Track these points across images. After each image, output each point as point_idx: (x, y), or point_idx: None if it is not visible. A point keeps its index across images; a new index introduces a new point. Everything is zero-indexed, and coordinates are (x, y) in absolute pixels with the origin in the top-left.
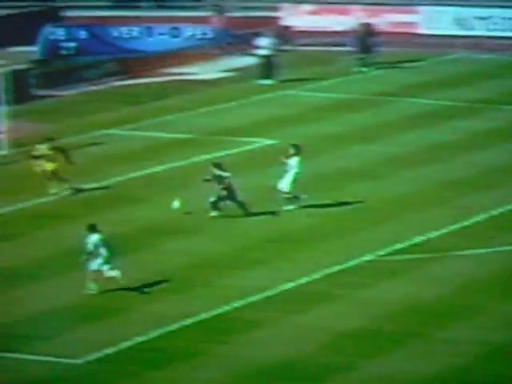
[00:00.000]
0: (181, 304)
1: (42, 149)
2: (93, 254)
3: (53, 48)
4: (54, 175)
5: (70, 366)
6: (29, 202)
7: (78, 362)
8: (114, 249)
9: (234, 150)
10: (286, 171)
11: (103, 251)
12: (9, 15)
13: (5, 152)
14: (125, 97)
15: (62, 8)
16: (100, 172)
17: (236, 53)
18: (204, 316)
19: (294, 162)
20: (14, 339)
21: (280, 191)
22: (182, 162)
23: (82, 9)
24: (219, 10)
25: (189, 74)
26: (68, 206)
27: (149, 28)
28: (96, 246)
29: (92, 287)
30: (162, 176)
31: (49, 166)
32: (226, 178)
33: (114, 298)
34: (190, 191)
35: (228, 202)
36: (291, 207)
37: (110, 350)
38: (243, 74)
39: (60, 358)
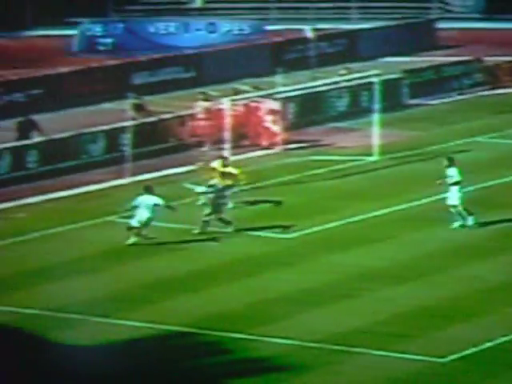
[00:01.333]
0: None
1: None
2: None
3: (90, 44)
4: None
5: (434, 365)
6: (396, 207)
7: (443, 360)
8: None
9: None
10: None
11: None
12: (385, 27)
13: (375, 158)
14: (491, 106)
15: (436, 20)
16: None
17: None
18: None
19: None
20: (382, 337)
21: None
22: None
23: (455, 20)
24: None
25: None
26: (432, 210)
27: (185, 24)
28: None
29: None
30: None
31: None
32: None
33: (471, 300)
34: None
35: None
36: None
37: (472, 350)
38: None
39: (424, 356)
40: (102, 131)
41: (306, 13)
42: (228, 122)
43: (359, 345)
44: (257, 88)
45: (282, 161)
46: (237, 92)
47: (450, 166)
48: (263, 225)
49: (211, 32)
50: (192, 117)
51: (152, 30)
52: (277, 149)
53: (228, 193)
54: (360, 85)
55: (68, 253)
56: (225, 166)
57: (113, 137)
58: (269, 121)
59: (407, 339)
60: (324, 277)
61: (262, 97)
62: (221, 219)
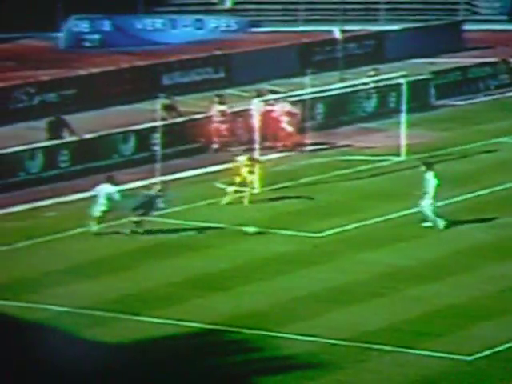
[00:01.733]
0: None
1: (242, 160)
2: None
3: (76, 40)
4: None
5: (460, 363)
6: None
7: (469, 358)
8: None
9: None
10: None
11: None
12: (413, 28)
13: (402, 158)
14: None
15: (462, 21)
16: (490, 179)
17: None
18: None
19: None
20: (411, 335)
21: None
22: None
23: (481, 22)
24: None
25: None
26: (458, 210)
27: (172, 20)
28: None
29: None
30: None
31: (245, 177)
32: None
33: (498, 299)
34: None
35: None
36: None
37: (497, 349)
38: None
39: (452, 354)
40: (133, 131)
41: (334, 14)
42: (252, 123)
43: (387, 343)
44: (273, 91)
45: (311, 161)
46: (260, 94)
47: (427, 170)
48: (293, 224)
49: (198, 28)
50: (208, 119)
51: (139, 26)
52: (304, 149)
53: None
54: (387, 86)
55: (99, 251)
56: (251, 163)
57: (143, 136)
58: (285, 123)
59: (434, 338)
60: (352, 276)
61: (278, 99)
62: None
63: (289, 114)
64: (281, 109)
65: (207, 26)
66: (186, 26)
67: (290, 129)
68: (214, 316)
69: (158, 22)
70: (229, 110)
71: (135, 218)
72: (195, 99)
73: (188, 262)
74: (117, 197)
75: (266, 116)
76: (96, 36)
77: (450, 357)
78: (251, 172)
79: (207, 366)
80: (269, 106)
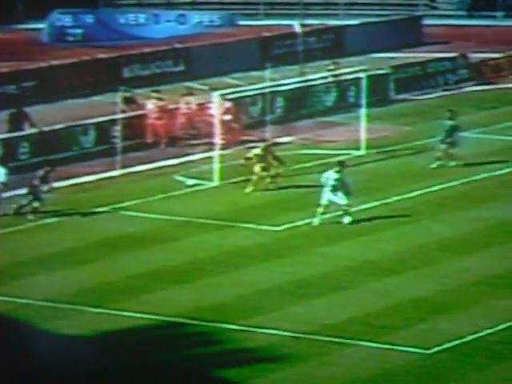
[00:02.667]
0: None
1: (255, 151)
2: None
3: (59, 34)
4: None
5: (421, 356)
6: (383, 200)
7: (429, 352)
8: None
9: None
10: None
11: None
12: (372, 23)
13: (362, 152)
14: (476, 102)
15: (422, 17)
16: (449, 173)
17: None
18: None
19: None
20: (373, 329)
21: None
22: None
23: (440, 17)
24: None
25: None
26: (419, 204)
27: (155, 15)
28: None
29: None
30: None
31: (259, 168)
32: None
33: (458, 293)
34: None
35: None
36: None
37: (457, 342)
38: None
39: (412, 347)
40: (93, 123)
41: (294, 8)
42: (181, 119)
43: (350, 336)
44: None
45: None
46: (189, 92)
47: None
48: (254, 217)
49: (181, 23)
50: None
51: (122, 20)
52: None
53: None
54: (347, 80)
55: (61, 244)
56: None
57: (103, 129)
58: (223, 120)
59: (396, 331)
60: (314, 269)
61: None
62: None
63: (228, 110)
64: (220, 105)
65: (190, 21)
66: (169, 20)
67: (230, 125)
68: (176, 308)
69: (141, 17)
70: (170, 106)
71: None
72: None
73: (150, 255)
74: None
75: (203, 113)
76: (79, 30)
77: (410, 350)
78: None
79: (169, 359)
80: (204, 102)
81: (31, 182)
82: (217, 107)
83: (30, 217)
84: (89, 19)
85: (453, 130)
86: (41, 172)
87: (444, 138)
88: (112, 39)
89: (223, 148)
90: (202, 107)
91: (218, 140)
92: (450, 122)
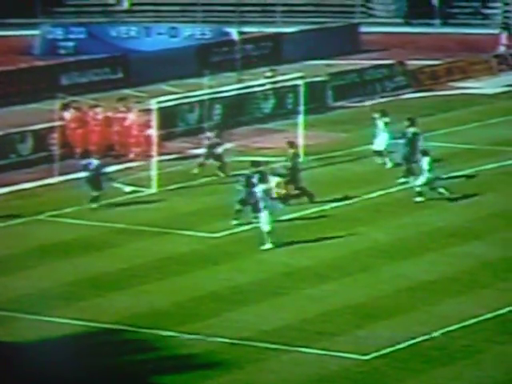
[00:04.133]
0: (459, 305)
1: None
2: None
3: (51, 47)
4: None
5: (357, 362)
6: (320, 207)
7: (366, 357)
8: None
9: None
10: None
11: None
12: (310, 30)
13: (300, 159)
14: (413, 109)
15: (358, 24)
16: (386, 180)
17: None
18: (485, 317)
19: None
20: (310, 335)
21: None
22: (468, 171)
23: (377, 25)
24: (507, 27)
25: (472, 88)
26: (355, 210)
27: (147, 28)
28: None
29: None
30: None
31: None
32: None
33: (394, 299)
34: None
35: None
36: None
37: (393, 348)
38: None
39: (349, 353)
40: (31, 131)
41: (232, 16)
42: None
43: (286, 342)
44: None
45: (207, 161)
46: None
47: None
48: (191, 224)
49: (173, 36)
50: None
51: (114, 33)
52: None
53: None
54: (285, 87)
55: None
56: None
57: (41, 136)
58: (141, 131)
59: (332, 337)
60: (251, 275)
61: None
62: None
63: (145, 122)
64: (136, 117)
65: (182, 33)
66: (160, 33)
67: (147, 137)
68: (113, 315)
69: (133, 30)
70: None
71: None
72: (93, 99)
73: (86, 262)
74: None
75: (118, 123)
76: (70, 43)
77: (347, 356)
78: None
79: (105, 365)
80: (121, 113)
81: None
82: (135, 119)
83: None
84: (80, 32)
85: (414, 138)
86: None
87: (409, 149)
88: (104, 52)
89: (139, 159)
90: (115, 119)
91: (128, 152)
92: (411, 130)
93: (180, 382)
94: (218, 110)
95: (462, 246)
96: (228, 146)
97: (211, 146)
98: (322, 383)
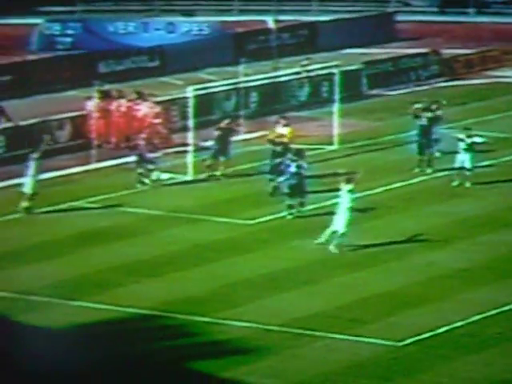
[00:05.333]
0: (491, 294)
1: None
2: None
3: (48, 43)
4: None
5: (391, 348)
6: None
7: (398, 344)
8: None
9: None
10: None
11: None
12: (345, 19)
13: (335, 147)
14: (448, 97)
15: (393, 13)
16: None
17: None
18: None
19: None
20: (343, 322)
21: None
22: (500, 160)
23: (412, 14)
24: None
25: (507, 77)
26: (390, 198)
27: (145, 23)
28: None
29: None
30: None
31: None
32: None
33: (426, 287)
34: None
35: None
36: None
37: (425, 335)
38: None
39: (382, 340)
40: (68, 118)
41: (268, 4)
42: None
43: (320, 329)
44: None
45: (244, 149)
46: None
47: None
48: (226, 211)
49: (170, 32)
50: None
51: (111, 29)
52: (240, 137)
53: None
54: (320, 75)
55: (35, 237)
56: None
57: (79, 124)
58: (156, 123)
59: (366, 324)
60: (285, 263)
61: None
62: None
63: (158, 114)
64: (149, 109)
65: (179, 29)
66: (158, 29)
67: (161, 129)
68: (149, 301)
69: (131, 25)
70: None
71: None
72: (131, 86)
73: (122, 249)
74: None
75: (130, 115)
76: (68, 39)
77: (380, 343)
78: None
79: (142, 351)
80: (133, 104)
81: None
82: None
83: None
84: (77, 28)
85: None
86: None
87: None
88: (101, 47)
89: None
90: (131, 110)
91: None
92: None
93: (214, 367)
94: (253, 97)
95: (494, 234)
96: (261, 133)
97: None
98: (355, 369)
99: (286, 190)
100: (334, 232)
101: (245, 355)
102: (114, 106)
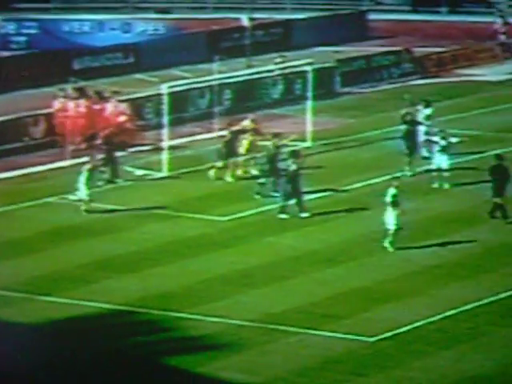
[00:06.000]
0: (463, 289)
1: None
2: None
3: (3, 42)
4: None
5: (363, 344)
6: (328, 192)
7: (372, 340)
8: None
9: None
10: None
11: None
12: (319, 17)
13: (308, 144)
14: (419, 95)
15: (367, 11)
16: (392, 165)
17: None
18: (489, 300)
19: None
20: (316, 317)
21: None
22: (472, 157)
23: (385, 12)
24: (503, 15)
25: (478, 75)
26: (362, 195)
27: (100, 23)
28: None
29: None
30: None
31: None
32: None
33: (400, 282)
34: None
35: None
36: None
37: (398, 331)
38: None
39: (355, 335)
40: (43, 114)
41: (243, 2)
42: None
43: (294, 324)
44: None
45: (218, 146)
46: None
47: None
48: (200, 207)
49: (126, 32)
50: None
51: (66, 28)
52: (214, 134)
53: None
54: (294, 73)
55: (10, 233)
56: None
57: (53, 120)
58: (121, 121)
59: (339, 320)
60: (259, 259)
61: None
62: None
63: (123, 112)
64: (113, 108)
65: (135, 29)
66: (113, 29)
67: (129, 126)
68: (124, 297)
69: (86, 25)
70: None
71: None
72: (105, 83)
73: (97, 245)
74: None
75: (96, 114)
76: (23, 38)
77: (354, 338)
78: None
79: (116, 347)
80: (96, 104)
81: None
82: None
83: None
84: (33, 27)
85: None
86: None
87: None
88: (56, 47)
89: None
90: (94, 110)
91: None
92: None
93: (189, 362)
94: (227, 95)
95: (466, 231)
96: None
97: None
98: (329, 365)
99: (282, 191)
100: (387, 230)
101: (219, 350)
102: (77, 105)
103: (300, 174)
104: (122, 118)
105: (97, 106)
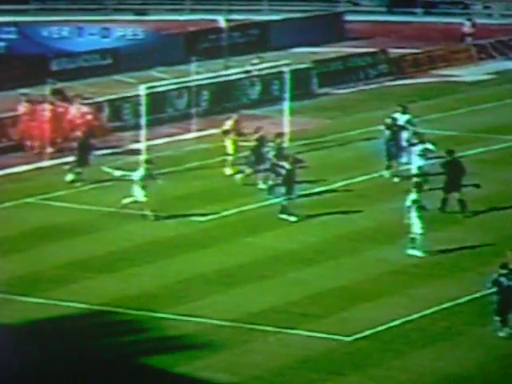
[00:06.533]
0: (440, 288)
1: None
2: None
3: None
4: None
5: (341, 343)
6: (306, 191)
7: (350, 339)
8: None
9: (495, 147)
10: None
11: None
12: (296, 18)
13: (286, 144)
14: (395, 96)
15: (343, 13)
16: (369, 165)
17: (499, 57)
18: (465, 299)
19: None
20: (295, 317)
21: None
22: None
23: (362, 13)
24: (470, 18)
25: (454, 76)
26: (340, 195)
27: (79, 28)
28: None
29: None
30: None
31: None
32: None
33: (377, 282)
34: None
35: None
36: None
37: (376, 330)
38: (505, 77)
39: (333, 334)
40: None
41: (220, 4)
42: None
43: (273, 324)
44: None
45: (196, 146)
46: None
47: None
48: (179, 208)
49: (104, 37)
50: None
51: (45, 33)
52: (192, 135)
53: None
54: (271, 74)
55: None
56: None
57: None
58: (87, 119)
59: (318, 319)
60: (237, 259)
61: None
62: None
63: (87, 114)
64: (76, 110)
65: (113, 34)
66: (92, 34)
67: (95, 124)
68: (103, 297)
69: (65, 30)
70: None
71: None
72: (84, 85)
73: (76, 245)
74: None
75: (59, 117)
76: (1, 43)
77: (331, 337)
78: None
79: (96, 346)
80: (59, 107)
81: None
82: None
83: None
84: (11, 32)
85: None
86: None
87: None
88: (35, 52)
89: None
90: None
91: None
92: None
93: (168, 362)
94: (205, 96)
95: (444, 231)
96: (213, 131)
97: None
98: (308, 364)
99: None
100: (413, 237)
101: (198, 350)
102: (41, 109)
103: (294, 174)
104: (88, 118)
105: (60, 109)
